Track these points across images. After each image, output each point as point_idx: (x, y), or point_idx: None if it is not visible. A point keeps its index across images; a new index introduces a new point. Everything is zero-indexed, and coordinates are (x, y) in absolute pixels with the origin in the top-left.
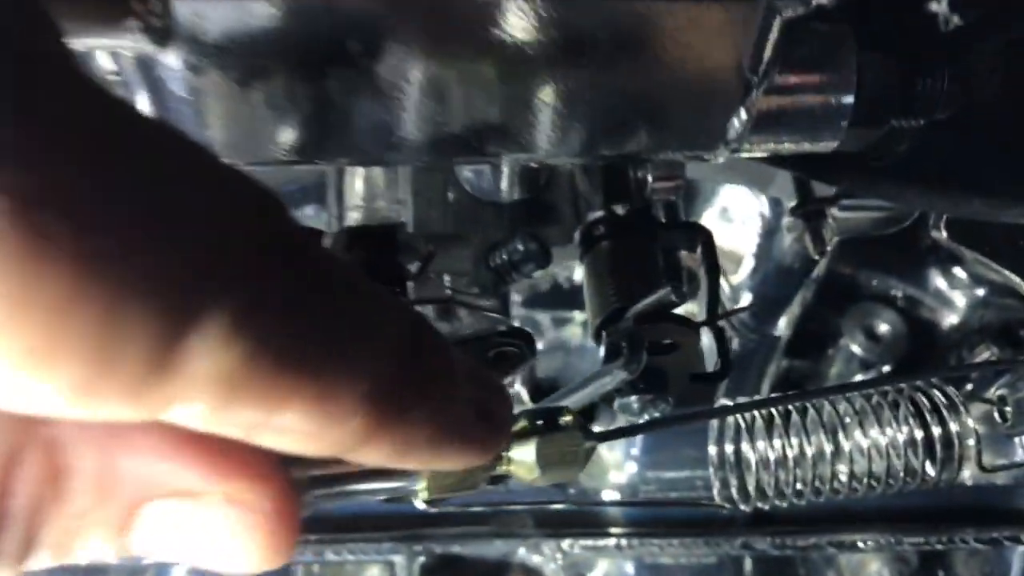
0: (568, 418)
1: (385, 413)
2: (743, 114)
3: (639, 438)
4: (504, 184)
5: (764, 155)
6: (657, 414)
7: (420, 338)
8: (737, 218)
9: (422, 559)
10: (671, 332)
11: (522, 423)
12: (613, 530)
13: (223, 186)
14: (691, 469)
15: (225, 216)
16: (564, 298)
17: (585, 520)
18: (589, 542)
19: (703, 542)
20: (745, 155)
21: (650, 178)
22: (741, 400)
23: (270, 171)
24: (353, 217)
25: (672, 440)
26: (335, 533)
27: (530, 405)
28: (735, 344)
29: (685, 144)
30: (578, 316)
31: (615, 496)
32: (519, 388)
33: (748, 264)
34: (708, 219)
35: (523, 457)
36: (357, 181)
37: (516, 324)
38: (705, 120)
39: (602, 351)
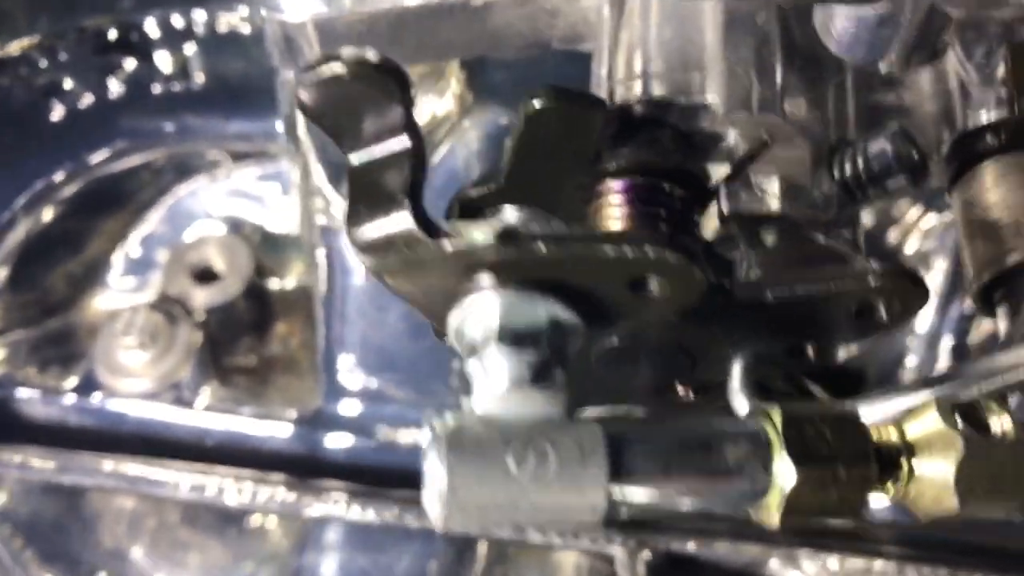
0: (1005, 417)
1: None
2: None
3: None
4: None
5: None
6: None
7: None
8: None
9: (647, 556)
10: None
11: (930, 417)
12: (900, 551)
13: None
14: None
15: None
16: None
17: (868, 533)
18: (863, 564)
19: None
20: None
21: None
22: None
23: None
24: (631, 92)
25: None
26: None
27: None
28: None
29: None
30: None
31: None
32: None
33: None
34: None
35: (934, 474)
36: (639, 37)
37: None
38: None
39: (1002, 325)
